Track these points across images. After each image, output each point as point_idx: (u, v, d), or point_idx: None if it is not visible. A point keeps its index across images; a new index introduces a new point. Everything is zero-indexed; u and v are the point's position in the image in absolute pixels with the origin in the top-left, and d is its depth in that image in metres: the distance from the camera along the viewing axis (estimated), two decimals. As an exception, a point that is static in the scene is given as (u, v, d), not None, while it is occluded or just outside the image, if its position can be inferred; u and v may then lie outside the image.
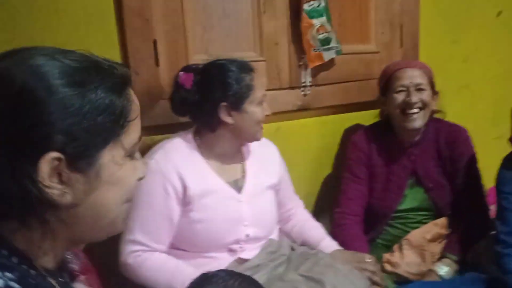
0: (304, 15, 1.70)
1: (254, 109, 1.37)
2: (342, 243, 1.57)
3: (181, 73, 1.39)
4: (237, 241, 1.41)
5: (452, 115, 1.80)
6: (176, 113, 1.44)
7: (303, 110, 1.85)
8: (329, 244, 1.54)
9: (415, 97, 1.59)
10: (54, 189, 0.57)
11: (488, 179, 1.66)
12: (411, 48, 2.03)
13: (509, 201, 1.36)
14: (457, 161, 1.65)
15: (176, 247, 1.40)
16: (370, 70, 1.93)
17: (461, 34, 2.17)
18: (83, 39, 1.46)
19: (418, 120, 1.60)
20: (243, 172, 1.48)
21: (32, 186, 0.56)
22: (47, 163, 0.56)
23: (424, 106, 1.60)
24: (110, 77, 0.62)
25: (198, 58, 1.61)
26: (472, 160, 1.65)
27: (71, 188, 0.59)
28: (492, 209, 1.60)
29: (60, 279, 0.67)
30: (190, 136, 1.43)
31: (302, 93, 1.82)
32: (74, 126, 0.57)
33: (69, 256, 0.72)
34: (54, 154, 0.56)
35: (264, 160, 1.53)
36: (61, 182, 0.58)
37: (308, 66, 1.77)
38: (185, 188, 1.35)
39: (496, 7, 2.22)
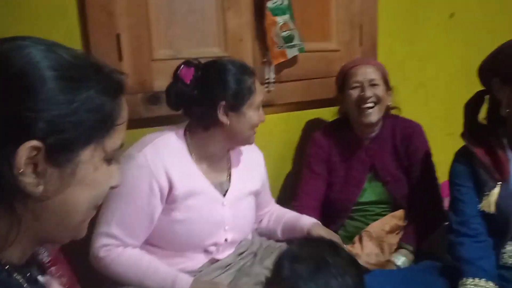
0: (267, 12, 1.73)
1: (252, 113, 1.36)
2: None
3: (182, 66, 1.36)
4: (215, 244, 1.40)
5: (408, 112, 1.88)
6: (169, 105, 1.40)
7: (267, 106, 1.87)
8: (308, 218, 1.56)
9: (369, 92, 1.65)
10: (27, 177, 0.57)
11: (442, 173, 1.75)
12: (370, 47, 2.09)
13: (461, 192, 1.42)
14: (412, 155, 1.73)
15: (151, 243, 1.37)
16: (331, 68, 1.98)
17: (417, 35, 2.26)
18: (44, 32, 1.42)
19: (373, 114, 1.66)
20: (229, 175, 1.47)
21: (8, 170, 0.56)
22: (26, 151, 0.56)
23: (378, 100, 1.67)
24: (107, 80, 0.64)
25: (162, 53, 1.61)
26: (427, 155, 1.73)
27: (44, 181, 0.59)
28: (446, 201, 1.68)
29: (27, 275, 0.66)
30: (181, 132, 1.40)
31: (266, 89, 1.84)
32: (60, 118, 0.58)
33: (38, 248, 0.71)
34: (34, 143, 0.56)
35: (250, 165, 1.52)
36: (36, 173, 0.58)
37: (272, 63, 1.81)
38: (171, 187, 1.31)
39: (449, 9, 2.32)
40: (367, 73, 1.69)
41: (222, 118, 1.33)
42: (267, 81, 1.83)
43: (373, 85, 1.67)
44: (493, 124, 1.44)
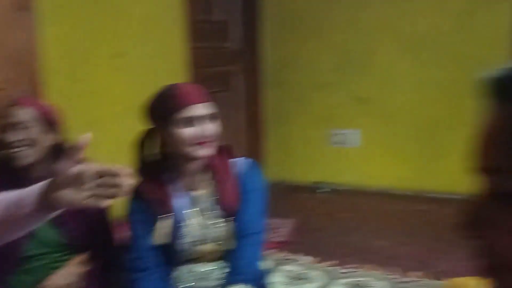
0: None
1: None
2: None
3: None
4: None
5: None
6: None
7: None
8: None
9: (19, 135, 1.55)
10: None
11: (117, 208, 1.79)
12: (36, 85, 1.98)
13: (135, 228, 1.49)
14: None
15: None
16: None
17: (86, 73, 2.28)
18: None
19: (26, 157, 1.56)
20: None
21: None
22: None
23: (32, 142, 1.57)
24: None
25: None
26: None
27: None
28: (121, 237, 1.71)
29: None
30: None
31: None
32: None
33: None
34: None
35: None
36: None
37: None
38: None
39: (116, 49, 2.44)
40: (19, 114, 1.57)
41: None
42: None
43: (25, 127, 1.56)
44: (162, 160, 1.57)
